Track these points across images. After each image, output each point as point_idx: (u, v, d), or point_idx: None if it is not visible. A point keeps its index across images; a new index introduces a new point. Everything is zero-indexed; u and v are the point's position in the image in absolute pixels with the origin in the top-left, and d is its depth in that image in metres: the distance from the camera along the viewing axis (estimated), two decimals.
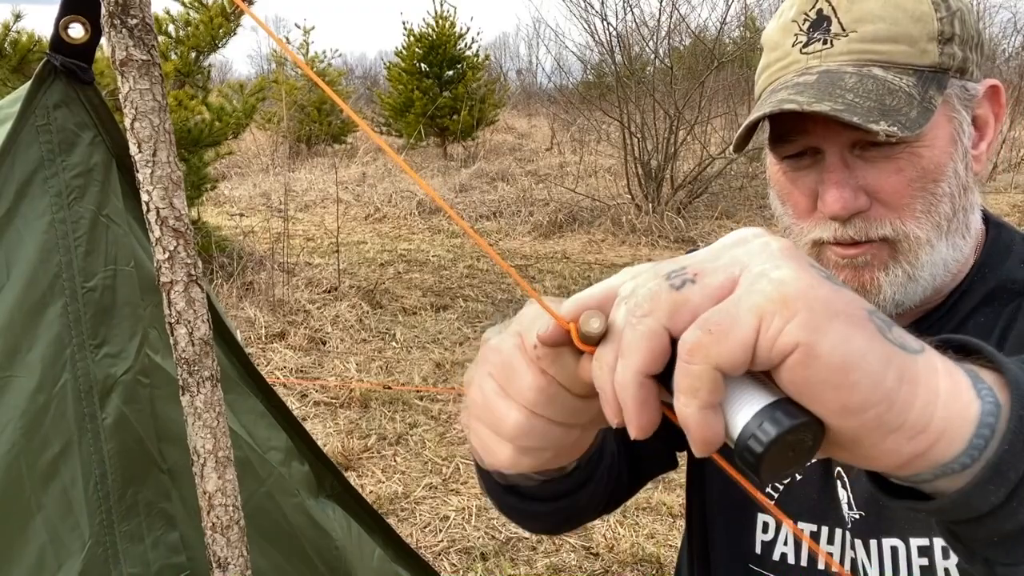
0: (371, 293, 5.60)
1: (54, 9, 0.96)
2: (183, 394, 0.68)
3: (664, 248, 7.45)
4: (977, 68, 0.82)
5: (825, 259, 0.84)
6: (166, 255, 0.67)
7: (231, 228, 7.00)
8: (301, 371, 4.41)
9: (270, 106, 11.70)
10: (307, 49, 13.58)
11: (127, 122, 0.67)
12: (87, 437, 0.98)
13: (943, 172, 0.79)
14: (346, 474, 3.32)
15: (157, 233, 0.67)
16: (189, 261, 0.67)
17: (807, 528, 0.88)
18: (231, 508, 0.68)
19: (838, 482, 0.86)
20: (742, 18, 10.43)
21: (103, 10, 0.65)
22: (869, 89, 0.75)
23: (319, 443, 3.63)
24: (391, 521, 2.99)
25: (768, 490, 0.90)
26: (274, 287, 5.25)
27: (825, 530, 0.87)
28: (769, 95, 0.81)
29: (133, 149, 0.66)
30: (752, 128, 0.81)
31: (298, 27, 18.40)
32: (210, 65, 5.66)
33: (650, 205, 8.21)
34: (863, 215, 0.79)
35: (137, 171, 0.67)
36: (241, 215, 7.61)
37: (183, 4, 5.32)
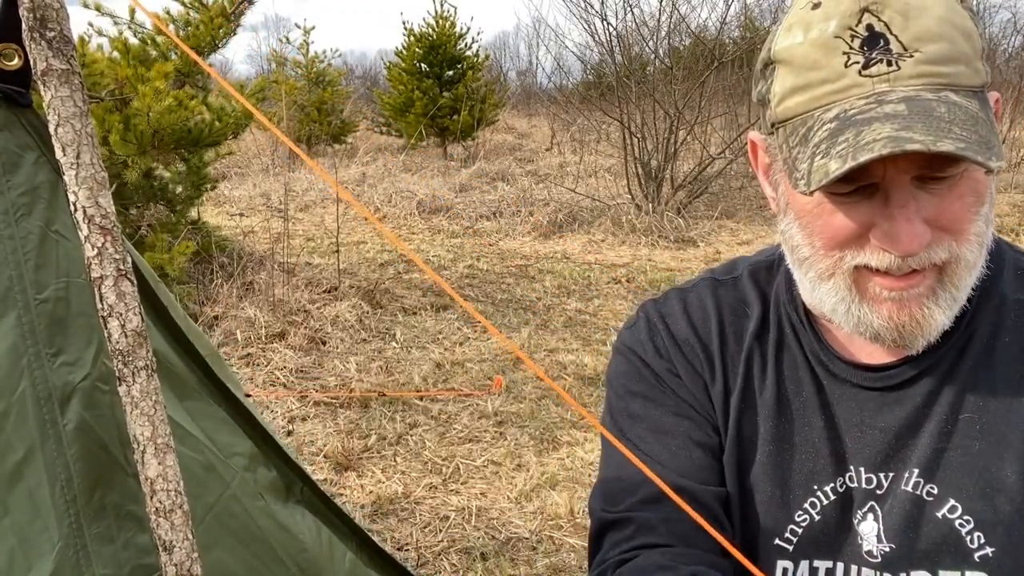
0: (371, 293, 5.60)
1: None
2: (120, 384, 0.72)
3: (664, 248, 7.45)
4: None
5: (865, 288, 0.80)
6: (95, 252, 0.71)
7: (231, 228, 7.01)
8: (301, 371, 4.41)
9: (270, 106, 11.70)
10: (307, 49, 13.59)
11: (51, 128, 0.71)
12: (49, 442, 1.00)
13: (987, 194, 0.78)
14: (346, 474, 3.34)
15: (85, 231, 0.71)
16: (117, 256, 0.71)
17: (822, 565, 0.87)
18: (173, 493, 0.71)
19: (870, 515, 0.85)
20: (742, 18, 10.43)
21: (23, 25, 0.69)
22: (963, 119, 0.70)
23: (319, 443, 3.64)
24: (391, 521, 2.99)
25: (787, 535, 0.89)
26: (274, 287, 5.25)
27: (841, 566, 0.86)
28: (845, 124, 0.72)
29: (58, 153, 0.71)
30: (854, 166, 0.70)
31: (298, 27, 18.40)
32: (210, 65, 5.66)
33: (650, 205, 8.21)
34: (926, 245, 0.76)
35: (63, 173, 0.71)
36: (241, 215, 7.62)
37: (183, 4, 5.32)
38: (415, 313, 5.42)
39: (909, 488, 0.84)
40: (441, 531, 2.93)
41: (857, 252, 0.78)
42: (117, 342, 0.70)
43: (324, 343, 4.82)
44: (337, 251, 6.19)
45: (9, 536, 0.98)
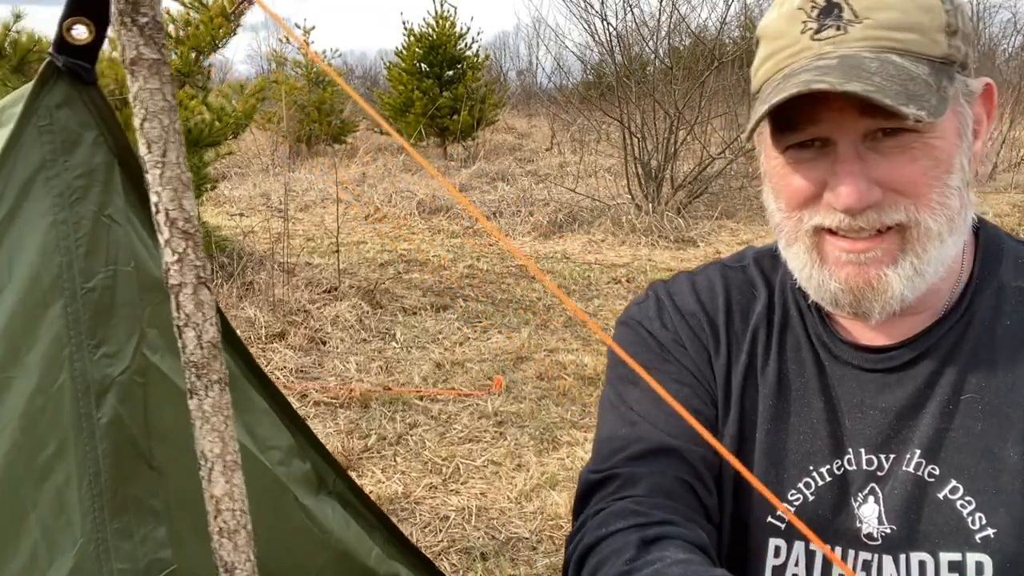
0: (371, 293, 5.60)
1: (55, 10, 0.96)
2: (191, 398, 0.67)
3: (664, 248, 7.45)
4: (973, 65, 0.82)
5: (825, 252, 0.82)
6: (175, 257, 0.65)
7: (231, 228, 7.00)
8: (301, 371, 4.41)
9: (270, 106, 11.69)
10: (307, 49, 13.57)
11: (136, 122, 0.65)
12: (82, 437, 0.98)
13: (953, 164, 0.79)
14: None
15: (166, 235, 0.65)
16: (198, 264, 0.66)
17: (817, 549, 0.87)
18: (238, 512, 0.67)
19: (871, 497, 0.85)
20: (742, 18, 10.43)
21: (113, 8, 0.63)
22: (892, 74, 0.73)
23: None
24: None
25: (778, 512, 0.89)
26: (274, 287, 5.25)
27: (838, 550, 0.86)
28: (784, 79, 0.78)
29: (143, 150, 0.65)
30: (769, 113, 0.77)
31: (298, 27, 18.39)
32: (210, 65, 5.67)
33: (650, 205, 8.21)
34: (876, 206, 0.78)
35: (146, 172, 0.66)
36: (241, 215, 7.62)
37: (183, 4, 5.32)
38: (415, 313, 5.42)
39: (911, 469, 0.84)
40: (441, 531, 2.94)
41: (813, 213, 0.81)
42: (192, 353, 0.66)
43: (324, 343, 4.82)
44: (337, 251, 6.19)
45: (34, 531, 0.96)
